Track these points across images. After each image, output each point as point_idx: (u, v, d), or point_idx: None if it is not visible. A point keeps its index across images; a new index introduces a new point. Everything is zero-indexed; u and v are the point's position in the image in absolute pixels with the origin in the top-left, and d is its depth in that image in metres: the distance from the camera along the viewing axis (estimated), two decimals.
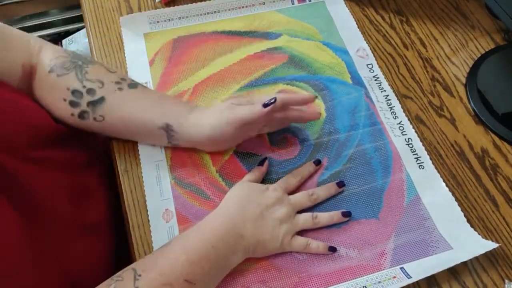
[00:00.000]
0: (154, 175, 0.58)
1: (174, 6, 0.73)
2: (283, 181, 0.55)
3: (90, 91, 0.54)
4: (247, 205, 0.51)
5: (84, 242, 0.48)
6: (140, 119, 0.55)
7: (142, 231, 0.55)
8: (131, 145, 0.60)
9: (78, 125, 0.56)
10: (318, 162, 0.58)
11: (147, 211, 0.56)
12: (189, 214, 0.56)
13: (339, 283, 0.51)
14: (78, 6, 0.78)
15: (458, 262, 0.50)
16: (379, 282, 0.50)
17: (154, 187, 0.57)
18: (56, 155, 0.53)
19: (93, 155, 0.60)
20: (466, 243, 0.53)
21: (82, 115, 0.55)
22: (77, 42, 1.18)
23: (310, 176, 0.58)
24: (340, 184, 0.56)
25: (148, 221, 0.55)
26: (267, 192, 0.53)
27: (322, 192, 0.55)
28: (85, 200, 0.54)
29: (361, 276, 0.51)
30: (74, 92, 0.54)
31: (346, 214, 0.54)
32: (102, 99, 0.54)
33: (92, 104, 0.54)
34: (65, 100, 0.54)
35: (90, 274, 0.50)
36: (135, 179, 0.58)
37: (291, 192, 0.55)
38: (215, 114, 0.54)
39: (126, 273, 0.45)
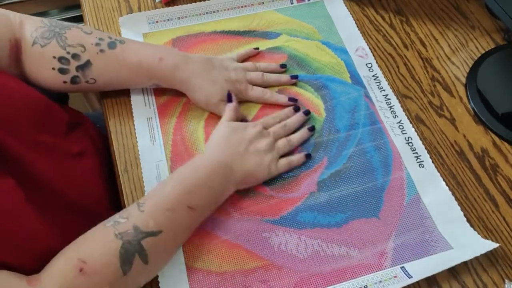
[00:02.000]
0: (154, 175, 0.58)
1: (174, 6, 0.73)
2: (262, 119, 0.61)
3: (75, 56, 0.57)
4: (232, 142, 0.56)
5: (85, 226, 0.49)
6: (128, 81, 0.62)
7: None
8: (131, 145, 0.61)
9: (74, 90, 0.60)
10: (296, 109, 0.63)
11: None
12: None
13: (339, 283, 0.51)
14: (78, 6, 0.78)
15: (459, 262, 0.51)
16: (380, 281, 0.50)
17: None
18: (55, 140, 0.54)
19: (89, 145, 0.62)
20: (466, 243, 0.53)
21: (74, 80, 0.58)
22: None
23: (310, 175, 0.59)
24: (306, 112, 0.62)
25: None
26: (248, 129, 0.58)
27: (292, 122, 0.61)
28: (84, 186, 0.56)
29: (362, 276, 0.51)
30: (61, 59, 0.57)
31: (310, 129, 0.61)
32: (88, 62, 0.58)
33: (81, 68, 0.57)
34: (54, 69, 0.57)
35: None
36: (135, 179, 0.58)
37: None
38: (201, 88, 0.61)
39: (130, 206, 0.50)
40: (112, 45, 0.58)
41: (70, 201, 0.52)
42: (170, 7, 0.73)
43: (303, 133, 0.61)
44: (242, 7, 0.74)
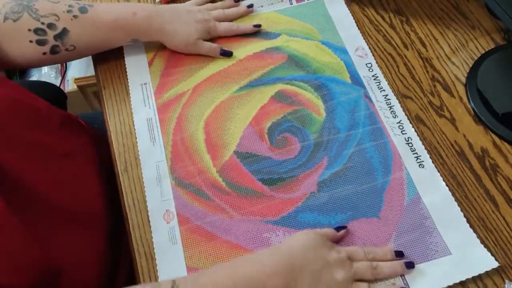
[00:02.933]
0: (154, 176, 0.59)
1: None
2: (351, 250, 0.52)
3: (51, 26, 0.58)
4: (310, 254, 0.49)
5: (72, 230, 0.49)
6: (107, 41, 0.64)
7: (142, 231, 0.55)
8: (131, 145, 0.61)
9: (55, 61, 0.61)
10: (399, 253, 0.53)
11: (147, 211, 0.56)
12: (189, 214, 0.56)
13: None
14: None
15: (457, 281, 0.51)
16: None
17: (154, 188, 0.58)
18: (43, 140, 0.54)
19: (80, 144, 0.61)
20: (465, 247, 0.53)
21: (53, 49, 0.59)
22: None
23: (310, 175, 0.59)
24: (409, 266, 0.52)
25: (149, 221, 0.55)
26: (332, 251, 0.50)
27: (387, 269, 0.51)
28: (73, 189, 0.55)
29: None
30: (37, 31, 0.57)
31: (409, 265, 0.52)
32: (65, 30, 0.59)
33: (58, 37, 0.58)
34: (31, 41, 0.58)
35: (77, 262, 0.51)
36: (135, 179, 0.58)
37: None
38: (176, 31, 0.65)
39: (164, 282, 0.45)
40: (83, 10, 0.60)
41: (57, 205, 0.51)
42: None
43: (396, 265, 0.52)
44: None
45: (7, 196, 0.44)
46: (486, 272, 0.52)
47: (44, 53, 0.59)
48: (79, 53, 0.63)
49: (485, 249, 0.53)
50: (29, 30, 0.57)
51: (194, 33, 0.66)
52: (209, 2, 0.73)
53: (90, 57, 0.71)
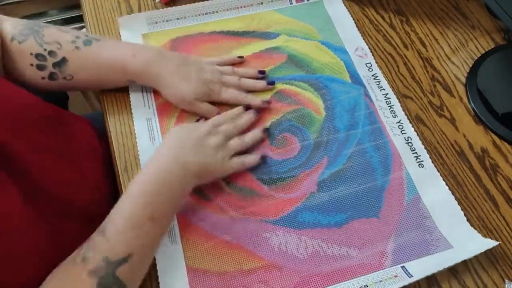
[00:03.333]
0: None
1: (173, 6, 0.74)
2: (213, 118, 0.61)
3: (51, 53, 0.59)
4: (182, 139, 0.55)
5: (86, 229, 0.49)
6: (105, 79, 0.62)
7: None
8: (131, 145, 0.61)
9: (53, 87, 0.61)
10: (247, 108, 0.63)
11: None
12: (189, 214, 0.57)
13: (340, 282, 0.52)
14: (78, 6, 0.78)
15: (459, 261, 0.51)
16: (380, 281, 0.50)
17: None
18: (52, 140, 0.55)
19: (86, 146, 0.62)
20: (466, 242, 0.53)
21: (52, 76, 0.60)
22: None
23: (310, 175, 0.59)
24: (270, 83, 0.65)
25: None
26: (198, 127, 0.58)
27: (244, 121, 0.62)
28: (84, 188, 0.56)
29: (362, 275, 0.51)
30: (38, 56, 0.58)
31: (265, 129, 0.62)
32: (64, 59, 0.59)
33: (57, 65, 0.59)
34: (32, 65, 0.59)
35: None
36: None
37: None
38: (173, 85, 0.62)
39: (94, 234, 0.48)
40: (87, 43, 0.60)
41: (66, 203, 0.52)
42: (169, 8, 0.73)
43: (255, 133, 0.61)
44: (241, 7, 0.74)
45: (21, 190, 0.45)
46: (486, 272, 0.52)
47: (43, 78, 0.60)
48: (77, 84, 0.62)
49: (487, 239, 0.54)
50: (31, 54, 0.58)
51: (192, 93, 0.61)
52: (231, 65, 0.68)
53: None
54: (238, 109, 0.63)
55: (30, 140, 0.50)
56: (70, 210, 0.52)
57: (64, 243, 0.47)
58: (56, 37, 0.59)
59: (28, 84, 0.59)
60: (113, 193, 0.60)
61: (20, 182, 0.45)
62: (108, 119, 0.64)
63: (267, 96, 0.66)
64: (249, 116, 0.62)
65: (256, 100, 0.64)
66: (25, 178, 0.47)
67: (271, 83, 0.66)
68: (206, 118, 0.62)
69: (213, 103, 0.63)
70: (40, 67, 0.59)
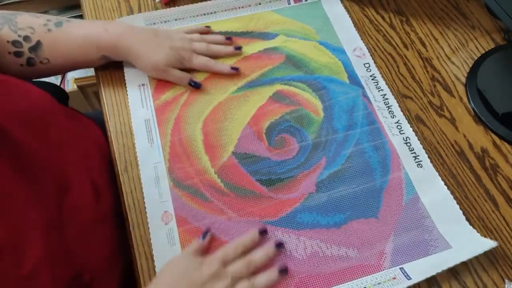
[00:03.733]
0: (153, 177, 0.59)
1: (174, 6, 0.75)
2: (222, 252, 0.53)
3: (26, 38, 0.60)
4: (183, 283, 0.50)
5: (94, 231, 0.51)
6: (80, 58, 0.64)
7: (142, 231, 0.56)
8: (131, 145, 0.62)
9: (31, 74, 0.63)
10: (263, 232, 0.55)
11: (146, 211, 0.56)
12: (188, 216, 0.57)
13: (339, 284, 0.52)
14: (78, 6, 0.79)
15: (458, 262, 0.52)
16: (379, 283, 0.51)
17: (152, 189, 0.59)
18: (61, 136, 0.56)
19: (93, 143, 0.63)
20: (465, 242, 0.54)
21: (29, 62, 0.61)
22: None
23: (309, 175, 0.60)
24: (279, 245, 0.54)
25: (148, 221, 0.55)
26: (203, 266, 0.51)
27: (259, 258, 0.52)
28: (92, 189, 0.57)
29: (361, 277, 0.52)
30: (14, 43, 0.60)
31: (283, 271, 0.52)
32: (38, 43, 0.61)
33: (33, 49, 0.60)
34: (10, 53, 0.60)
35: (96, 264, 0.53)
36: (135, 179, 0.59)
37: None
38: (145, 54, 0.64)
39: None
40: (58, 24, 0.62)
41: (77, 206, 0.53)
42: (168, 9, 0.74)
43: (271, 275, 0.52)
44: (239, 8, 0.75)
45: (33, 186, 0.46)
46: (486, 272, 0.52)
47: (22, 65, 0.61)
48: (55, 67, 0.63)
49: (487, 239, 0.54)
50: (8, 42, 0.59)
51: (163, 60, 0.64)
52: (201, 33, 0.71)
53: None
54: (253, 236, 0.54)
55: (42, 136, 0.51)
56: (78, 216, 0.53)
57: (71, 247, 0.48)
58: (28, 22, 0.61)
59: (10, 73, 0.60)
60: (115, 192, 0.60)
61: (31, 179, 0.46)
62: (108, 119, 0.64)
63: (265, 96, 0.66)
64: (265, 252, 0.53)
65: (224, 67, 0.67)
66: (31, 167, 0.48)
67: (238, 48, 0.70)
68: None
69: (186, 71, 0.67)
70: (18, 54, 0.60)
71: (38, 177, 0.48)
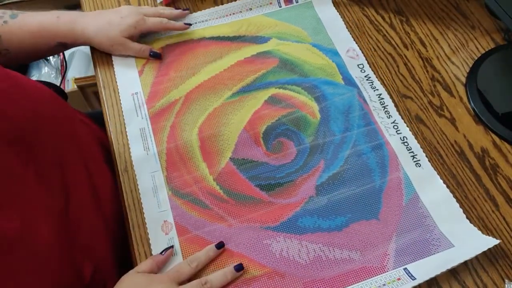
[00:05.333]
0: (151, 186, 0.61)
1: (174, 6, 0.79)
2: (174, 270, 0.54)
3: None
4: None
5: (105, 231, 0.54)
6: (35, 45, 0.68)
7: (142, 231, 0.59)
8: None
9: None
10: (220, 246, 0.56)
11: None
12: (188, 224, 0.60)
13: (344, 287, 0.55)
14: (78, 6, 0.79)
15: (461, 261, 0.55)
16: (384, 284, 0.53)
17: (151, 199, 0.62)
18: (72, 134, 0.59)
19: (97, 141, 0.67)
20: (467, 240, 0.57)
21: None
22: None
23: (308, 179, 0.62)
24: (238, 268, 0.55)
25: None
26: (154, 285, 0.51)
27: (216, 280, 0.53)
28: (101, 188, 0.61)
29: (365, 279, 0.53)
30: None
31: (238, 268, 0.55)
32: None
33: None
34: None
35: (112, 262, 0.57)
36: (135, 179, 0.60)
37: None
38: (99, 32, 0.68)
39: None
40: (13, 16, 0.68)
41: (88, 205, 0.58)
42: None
43: (226, 272, 0.54)
44: (230, 15, 0.79)
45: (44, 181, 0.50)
46: (486, 272, 0.54)
47: None
48: (15, 57, 0.68)
49: (488, 237, 0.57)
50: None
51: (117, 31, 0.70)
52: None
53: (90, 57, 0.72)
54: (207, 251, 0.55)
55: (49, 133, 0.54)
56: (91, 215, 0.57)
57: (85, 245, 0.52)
58: None
59: None
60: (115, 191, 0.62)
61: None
62: (108, 119, 0.66)
63: (261, 101, 0.69)
64: (224, 274, 0.53)
65: (176, 24, 0.74)
66: (39, 162, 0.51)
67: (186, 9, 0.77)
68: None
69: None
70: None
71: (45, 172, 0.51)
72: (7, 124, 0.48)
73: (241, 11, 0.79)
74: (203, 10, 0.79)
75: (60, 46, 0.70)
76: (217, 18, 0.78)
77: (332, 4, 0.79)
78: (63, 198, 0.52)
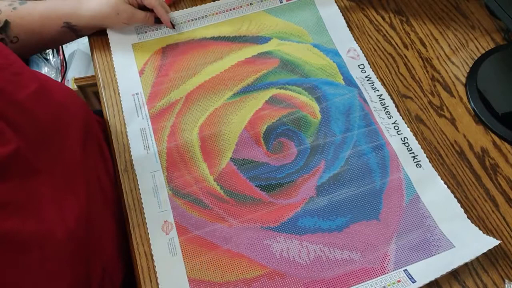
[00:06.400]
0: (151, 186, 0.62)
1: (174, 7, 0.79)
2: None
3: None
4: None
5: (113, 233, 0.55)
6: (43, 28, 0.69)
7: (142, 231, 0.60)
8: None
9: None
10: None
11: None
12: (188, 224, 0.61)
13: None
14: None
15: (462, 262, 0.56)
16: (384, 287, 0.53)
17: (151, 199, 0.62)
18: (79, 133, 0.60)
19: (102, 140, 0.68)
20: (468, 241, 0.57)
21: (2, 41, 0.66)
22: (77, 42, 1.18)
23: (308, 179, 0.63)
24: None
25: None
26: None
27: None
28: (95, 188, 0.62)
29: (366, 281, 0.54)
30: None
31: None
32: (6, 22, 0.67)
33: (3, 30, 0.66)
34: None
35: (118, 262, 0.57)
36: (135, 179, 0.60)
37: None
38: (102, 8, 0.70)
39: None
40: (22, 3, 0.68)
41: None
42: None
43: None
44: (230, 10, 0.78)
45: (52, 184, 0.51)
46: (486, 272, 0.54)
47: None
48: (25, 45, 0.69)
49: (489, 237, 0.57)
50: None
51: (121, 1, 0.72)
52: None
53: (90, 57, 0.72)
54: None
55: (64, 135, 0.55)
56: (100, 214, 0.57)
57: (95, 244, 0.52)
58: None
59: None
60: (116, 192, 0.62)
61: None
62: (108, 118, 0.66)
63: (261, 101, 0.70)
64: None
65: (168, 18, 0.73)
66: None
67: (173, 26, 0.78)
68: None
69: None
70: None
71: (70, 172, 0.52)
72: (34, 124, 0.48)
73: (241, 6, 0.79)
74: (203, 5, 0.78)
75: (67, 27, 0.70)
76: (216, 14, 0.78)
77: (334, 2, 0.79)
78: (84, 199, 0.53)
